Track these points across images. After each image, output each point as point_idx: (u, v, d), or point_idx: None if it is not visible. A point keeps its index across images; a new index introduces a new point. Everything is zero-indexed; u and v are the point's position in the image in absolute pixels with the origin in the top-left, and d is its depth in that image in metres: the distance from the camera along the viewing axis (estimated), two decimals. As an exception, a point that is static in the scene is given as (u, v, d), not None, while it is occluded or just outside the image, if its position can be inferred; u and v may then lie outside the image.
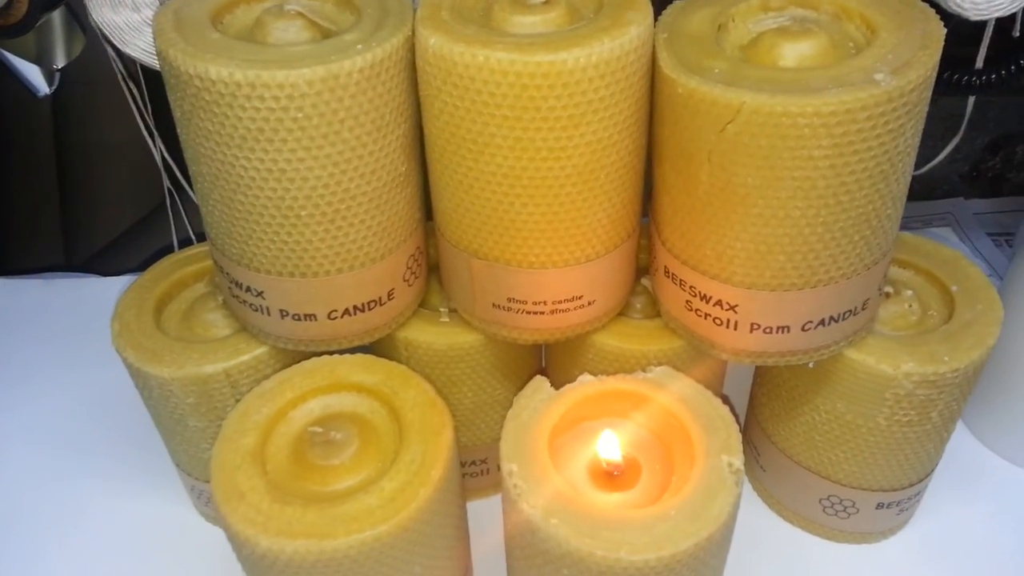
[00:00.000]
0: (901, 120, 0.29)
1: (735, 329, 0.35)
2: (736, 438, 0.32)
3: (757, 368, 0.44)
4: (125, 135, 0.60)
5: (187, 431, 0.40)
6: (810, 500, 0.42)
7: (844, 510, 0.41)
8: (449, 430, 0.33)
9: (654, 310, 0.40)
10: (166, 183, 0.57)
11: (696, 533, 0.29)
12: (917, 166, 0.55)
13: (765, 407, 0.42)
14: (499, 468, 0.45)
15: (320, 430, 0.33)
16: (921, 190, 0.65)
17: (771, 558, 0.42)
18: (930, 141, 0.62)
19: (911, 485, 0.40)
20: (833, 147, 0.29)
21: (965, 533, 0.43)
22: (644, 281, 0.41)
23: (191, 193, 0.58)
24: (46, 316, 0.59)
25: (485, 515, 0.44)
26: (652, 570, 0.29)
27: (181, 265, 0.43)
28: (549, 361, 0.43)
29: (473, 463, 0.44)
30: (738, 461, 0.31)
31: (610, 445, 0.33)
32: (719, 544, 0.31)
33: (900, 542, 0.43)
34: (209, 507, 0.44)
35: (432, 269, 0.42)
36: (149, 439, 0.47)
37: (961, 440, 0.48)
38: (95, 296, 0.60)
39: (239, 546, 0.31)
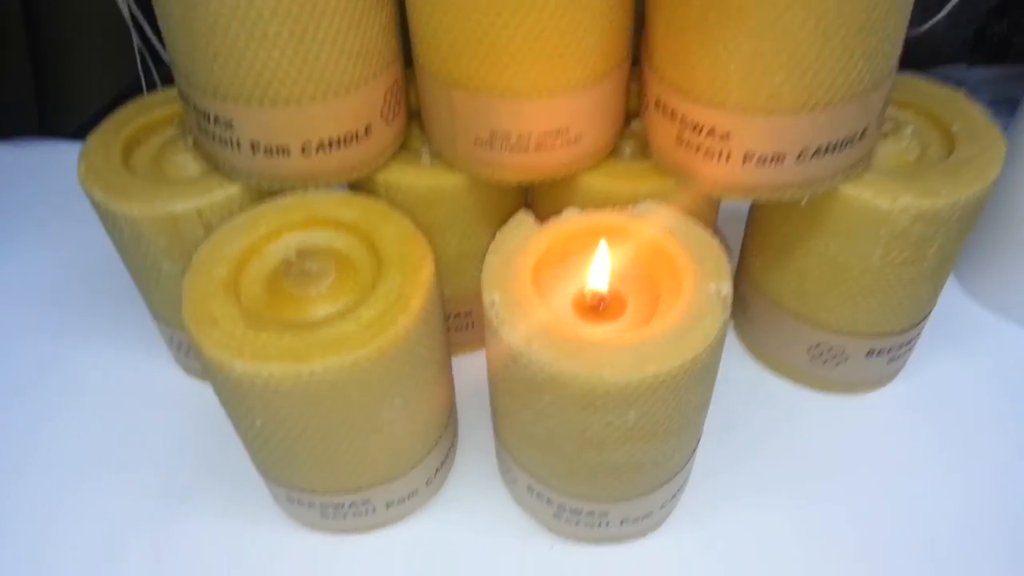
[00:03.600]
0: (912, -91, 0.27)
1: (727, 161, 0.33)
2: (724, 266, 0.31)
3: (749, 217, 0.43)
4: (98, 8, 0.57)
5: (161, 277, 0.39)
6: (799, 350, 0.41)
7: (833, 359, 0.41)
8: (430, 263, 0.32)
9: (644, 155, 0.38)
10: (136, 42, 0.55)
11: (681, 354, 0.29)
12: (920, 23, 0.52)
13: (756, 257, 0.41)
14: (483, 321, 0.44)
15: (295, 259, 0.31)
16: (924, 57, 0.63)
17: (759, 411, 0.42)
18: (935, 4, 0.59)
19: (903, 331, 0.40)
20: (838, -61, 0.26)
21: (955, 387, 0.43)
22: (634, 124, 0.39)
23: (162, 53, 0.56)
24: (17, 179, 0.57)
25: (470, 370, 0.43)
26: (635, 391, 0.28)
27: (149, 108, 0.41)
28: (535, 206, 0.42)
29: (458, 315, 0.44)
30: (726, 287, 0.31)
31: (601, 268, 0.32)
32: (704, 369, 0.30)
33: (889, 394, 0.43)
34: (190, 358, 0.43)
35: (413, 115, 0.40)
36: (126, 297, 0.46)
37: (954, 296, 0.48)
38: (67, 160, 0.58)
39: (213, 373, 0.30)
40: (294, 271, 0.32)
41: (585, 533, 0.36)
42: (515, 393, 0.31)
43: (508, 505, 0.38)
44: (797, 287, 0.39)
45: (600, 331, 0.31)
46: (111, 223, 0.38)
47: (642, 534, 0.37)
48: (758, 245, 0.41)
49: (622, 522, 0.35)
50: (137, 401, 0.43)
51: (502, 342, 0.30)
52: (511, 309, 0.30)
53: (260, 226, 0.34)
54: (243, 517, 0.38)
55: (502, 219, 0.40)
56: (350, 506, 0.35)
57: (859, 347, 0.40)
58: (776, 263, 0.40)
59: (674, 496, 0.36)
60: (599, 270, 0.32)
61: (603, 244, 0.33)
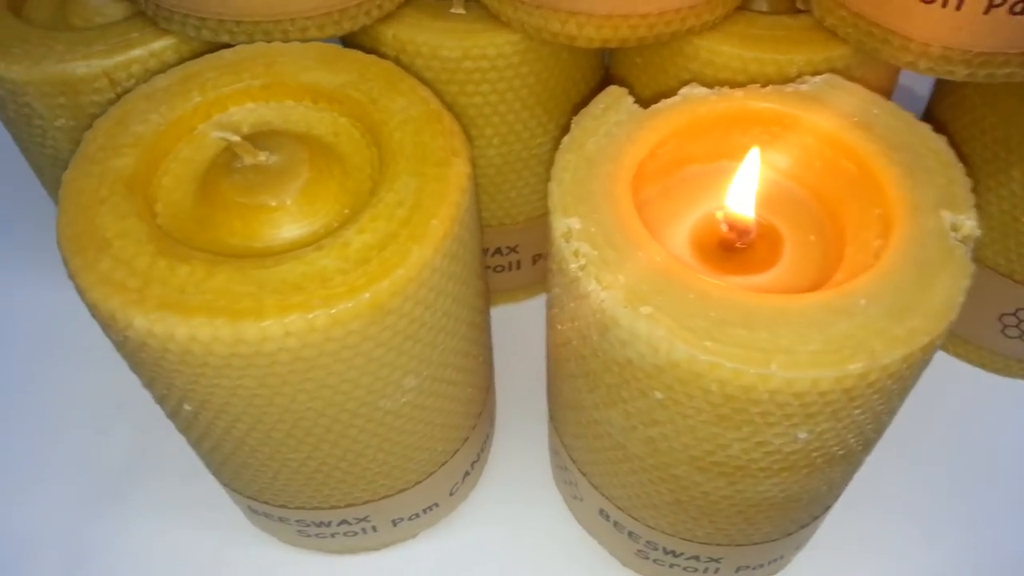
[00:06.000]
0: None
1: (959, 7, 0.20)
2: (963, 184, 0.19)
3: (930, 112, 0.29)
4: None
5: (67, 173, 0.26)
6: (986, 317, 0.29)
7: (1034, 331, 0.28)
8: (463, 161, 0.20)
9: (789, 5, 0.25)
10: None
11: (909, 338, 0.16)
12: None
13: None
14: (535, 260, 0.32)
15: (239, 140, 0.19)
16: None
17: (921, 406, 0.29)
18: None
19: None
20: None
21: None
22: (779, -37, 0.26)
23: None
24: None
25: (511, 328, 0.31)
26: (822, 397, 0.16)
27: (51, -79, 0.28)
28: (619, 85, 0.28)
29: (498, 252, 0.31)
30: (970, 222, 0.18)
31: (748, 181, 0.19)
32: (930, 358, 0.18)
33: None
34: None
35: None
36: (33, 203, 0.34)
37: None
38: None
39: (103, 326, 0.18)
40: (243, 165, 0.19)
41: (679, 577, 0.24)
42: (598, 382, 0.19)
43: (566, 525, 0.26)
44: (1005, 223, 0.26)
45: (746, 286, 0.19)
46: (-11, 90, 0.25)
47: (755, 579, 0.25)
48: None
49: (738, 569, 0.24)
50: (48, 349, 0.31)
51: (585, 300, 0.18)
52: (602, 245, 0.18)
53: (193, 92, 0.21)
54: (194, 521, 0.27)
55: (571, 104, 0.27)
56: (339, 524, 0.24)
57: (1076, 315, 0.27)
58: (975, 185, 0.27)
59: (815, 533, 0.25)
60: (745, 184, 0.20)
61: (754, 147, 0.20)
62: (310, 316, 0.17)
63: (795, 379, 0.16)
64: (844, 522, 0.26)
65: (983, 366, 0.30)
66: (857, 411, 0.17)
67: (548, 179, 0.29)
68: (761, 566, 0.24)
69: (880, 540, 0.26)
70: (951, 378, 0.30)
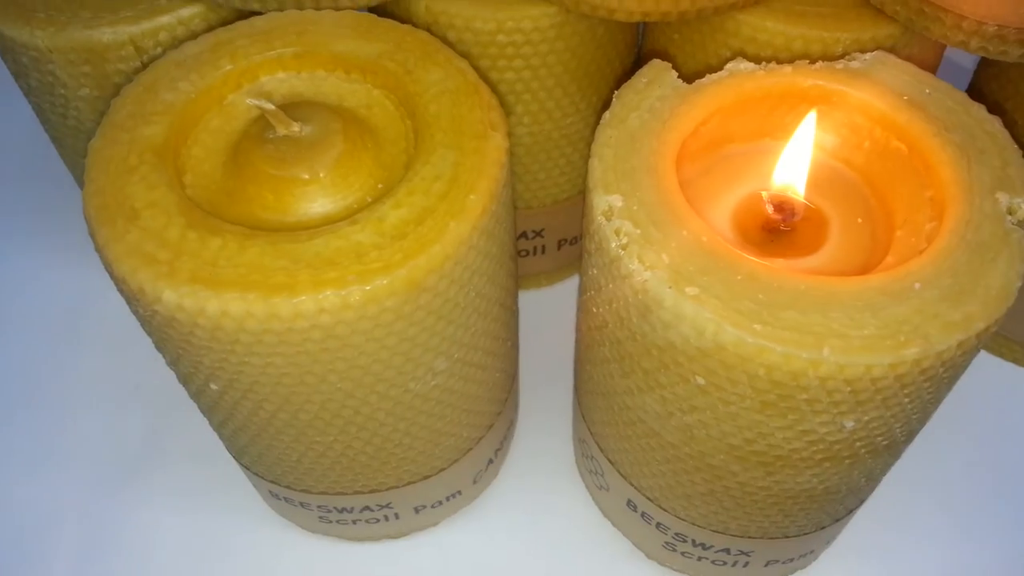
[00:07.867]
0: None
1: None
2: (1019, 166, 0.18)
3: (980, 87, 0.28)
4: None
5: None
6: None
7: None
8: (501, 135, 0.19)
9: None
10: None
11: (965, 323, 0.16)
12: None
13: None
14: (560, 245, 0.32)
15: (272, 107, 0.18)
16: None
17: (959, 404, 0.28)
18: None
19: None
20: None
21: None
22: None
23: None
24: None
25: (536, 313, 0.30)
26: (873, 384, 0.16)
27: None
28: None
29: (523, 236, 0.31)
30: (1027, 205, 0.17)
31: (798, 158, 0.19)
32: (981, 346, 0.17)
33: None
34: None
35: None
36: (55, 179, 0.33)
37: None
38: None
39: (130, 300, 0.18)
40: (275, 136, 0.19)
41: (708, 570, 0.24)
42: (634, 367, 0.19)
43: (589, 515, 0.26)
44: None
45: (792, 268, 0.18)
46: (12, 60, 0.25)
47: (784, 575, 0.25)
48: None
49: (768, 563, 0.23)
50: (65, 328, 0.31)
51: (627, 280, 0.17)
52: (644, 224, 0.17)
53: (223, 60, 0.20)
54: (212, 505, 0.27)
55: (604, 83, 0.27)
56: (362, 510, 0.23)
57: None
58: None
59: (847, 526, 0.24)
60: (796, 161, 0.19)
61: (811, 116, 0.19)
62: (344, 292, 0.17)
63: (848, 364, 0.15)
64: (874, 516, 0.26)
65: (1016, 361, 0.29)
66: (906, 399, 0.16)
67: (577, 161, 0.28)
68: (791, 560, 0.23)
69: (911, 536, 0.26)
70: (989, 378, 0.29)
